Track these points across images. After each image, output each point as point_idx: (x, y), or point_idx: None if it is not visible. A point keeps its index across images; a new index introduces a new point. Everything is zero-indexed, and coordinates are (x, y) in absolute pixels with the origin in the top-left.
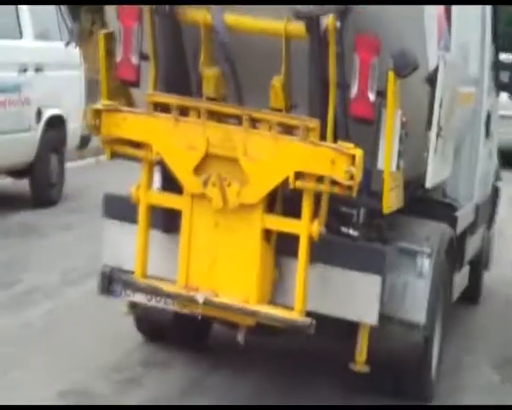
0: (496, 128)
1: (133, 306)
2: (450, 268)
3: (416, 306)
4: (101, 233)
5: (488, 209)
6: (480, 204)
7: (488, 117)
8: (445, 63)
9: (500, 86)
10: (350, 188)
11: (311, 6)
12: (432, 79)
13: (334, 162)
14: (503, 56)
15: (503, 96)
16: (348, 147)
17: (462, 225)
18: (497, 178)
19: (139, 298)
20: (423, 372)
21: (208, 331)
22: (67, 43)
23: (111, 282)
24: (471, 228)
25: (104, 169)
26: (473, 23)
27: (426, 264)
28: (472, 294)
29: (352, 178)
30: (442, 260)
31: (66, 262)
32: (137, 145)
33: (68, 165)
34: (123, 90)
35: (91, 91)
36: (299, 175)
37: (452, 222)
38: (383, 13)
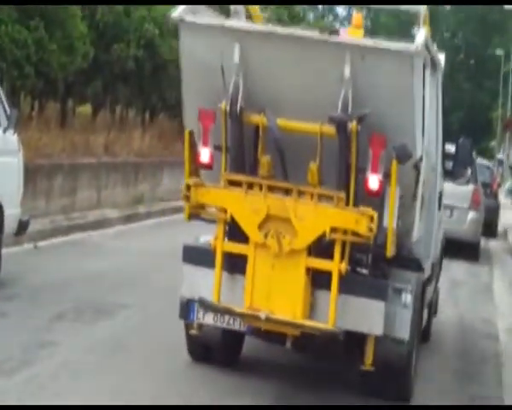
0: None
1: (199, 328)
2: (421, 304)
3: (402, 327)
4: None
5: (438, 268)
6: (434, 262)
7: (440, 195)
8: (426, 154)
9: (445, 173)
10: (368, 238)
11: (341, 114)
12: (417, 166)
13: (357, 221)
14: (447, 146)
15: None
16: (368, 210)
17: (426, 276)
18: (443, 245)
19: (208, 319)
20: (406, 377)
21: (240, 351)
22: (5, 130)
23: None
24: (428, 280)
25: (42, 255)
26: (433, 116)
27: (409, 298)
28: (424, 333)
29: (370, 231)
30: (418, 296)
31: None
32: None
33: (4, 251)
34: (198, 170)
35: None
36: (333, 230)
37: (421, 272)
38: (388, 119)
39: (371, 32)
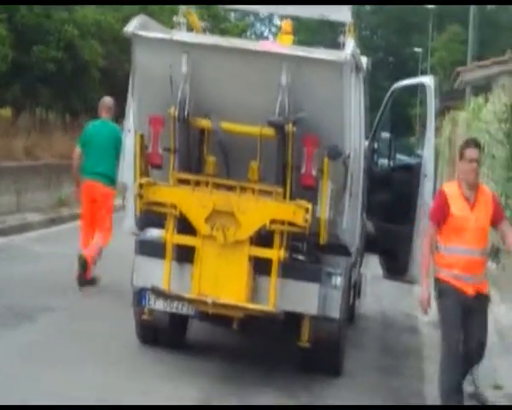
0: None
1: (150, 313)
2: (349, 286)
3: (333, 307)
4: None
5: (361, 253)
6: (358, 248)
7: (363, 188)
8: (354, 152)
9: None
10: (304, 228)
11: (279, 117)
12: (346, 162)
13: (294, 213)
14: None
15: None
16: (304, 203)
17: (353, 260)
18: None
19: (159, 305)
20: (338, 351)
21: (185, 333)
22: None
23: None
24: (354, 264)
25: None
26: (357, 116)
27: (339, 280)
28: (349, 314)
29: (306, 221)
30: (347, 279)
31: None
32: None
33: None
34: (148, 170)
35: None
36: (272, 221)
37: (349, 257)
38: (321, 121)
39: (296, 30)
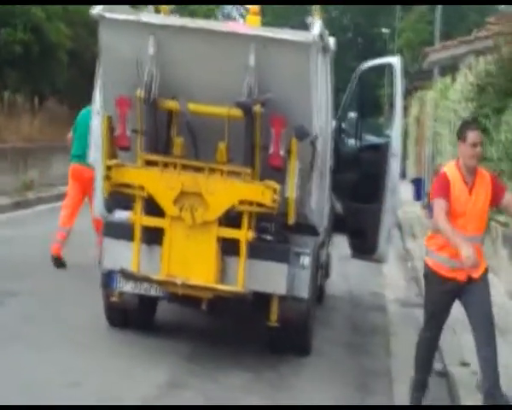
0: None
1: (119, 296)
2: (317, 266)
3: (302, 287)
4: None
5: (329, 233)
6: (326, 228)
7: (331, 168)
8: (321, 132)
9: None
10: (272, 208)
11: (246, 98)
12: (314, 142)
13: (263, 194)
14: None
15: None
16: (272, 183)
17: (321, 240)
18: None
19: (128, 287)
20: (306, 331)
21: (154, 315)
22: None
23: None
24: (322, 244)
25: None
26: (324, 97)
27: (307, 260)
28: (318, 294)
29: (274, 202)
30: (315, 259)
31: None
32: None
33: None
34: (115, 152)
35: None
36: (241, 202)
37: (317, 237)
38: (288, 101)
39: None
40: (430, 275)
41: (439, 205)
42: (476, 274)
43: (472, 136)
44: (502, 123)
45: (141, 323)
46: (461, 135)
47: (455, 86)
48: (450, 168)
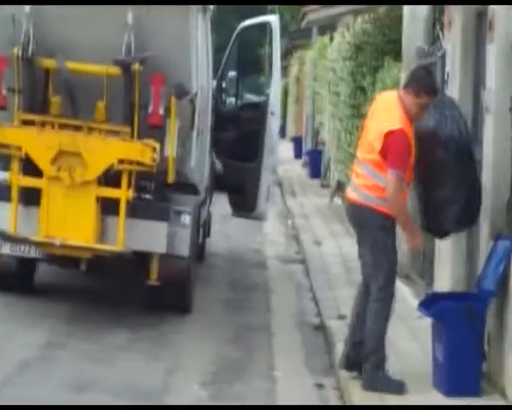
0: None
1: None
2: (198, 225)
3: (182, 245)
4: None
5: (210, 192)
6: (207, 187)
7: (211, 127)
8: (201, 90)
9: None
10: (152, 167)
11: (125, 57)
12: (193, 101)
13: (142, 152)
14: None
15: None
16: (151, 142)
17: (201, 198)
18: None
19: (6, 250)
20: (187, 288)
21: (33, 277)
22: None
23: None
24: (203, 203)
25: None
26: (204, 56)
27: (187, 219)
28: (199, 253)
29: (153, 160)
30: (195, 217)
31: None
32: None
33: None
34: None
35: None
36: (120, 161)
37: (197, 196)
38: (168, 60)
39: None
40: (390, 223)
41: (400, 181)
42: None
43: (427, 100)
44: (377, 81)
45: (20, 285)
46: (417, 92)
47: (333, 45)
48: (403, 123)
